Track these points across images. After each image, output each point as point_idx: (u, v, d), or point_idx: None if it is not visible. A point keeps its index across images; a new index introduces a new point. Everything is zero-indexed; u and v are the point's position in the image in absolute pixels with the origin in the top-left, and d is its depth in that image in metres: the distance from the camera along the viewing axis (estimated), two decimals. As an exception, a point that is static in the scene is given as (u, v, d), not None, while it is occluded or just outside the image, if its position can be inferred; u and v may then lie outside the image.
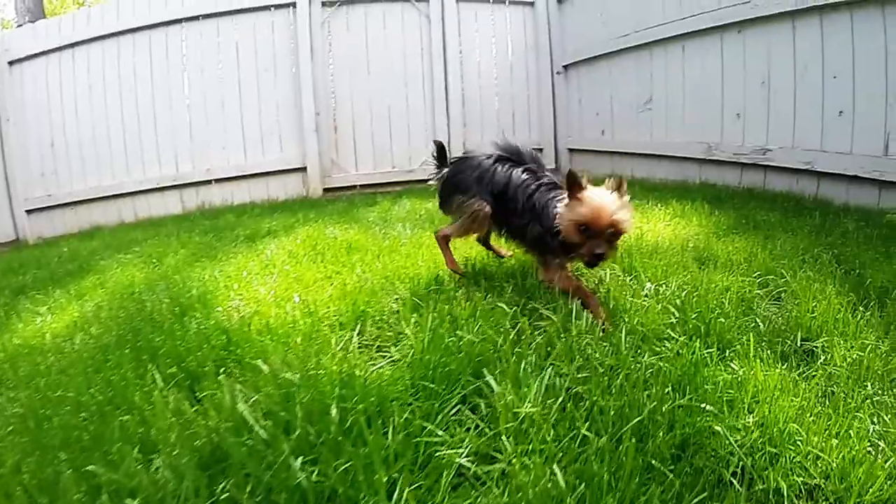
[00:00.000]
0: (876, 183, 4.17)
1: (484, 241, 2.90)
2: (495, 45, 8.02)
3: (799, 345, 1.94)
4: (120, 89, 7.19)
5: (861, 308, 2.22)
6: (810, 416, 1.51)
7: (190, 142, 7.36)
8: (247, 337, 2.05)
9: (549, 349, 1.74)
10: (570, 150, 7.93)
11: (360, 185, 7.67)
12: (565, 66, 7.89)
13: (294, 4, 7.34)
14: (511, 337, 1.77)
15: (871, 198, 4.20)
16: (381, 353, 1.95)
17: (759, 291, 2.40)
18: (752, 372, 1.63)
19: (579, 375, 1.60)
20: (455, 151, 7.54)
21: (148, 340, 2.21)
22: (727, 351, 1.81)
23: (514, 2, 7.93)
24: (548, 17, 7.90)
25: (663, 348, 1.78)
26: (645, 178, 6.37)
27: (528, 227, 2.37)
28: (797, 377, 1.70)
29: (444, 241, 2.64)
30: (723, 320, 1.95)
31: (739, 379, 1.61)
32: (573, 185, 2.17)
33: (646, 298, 2.21)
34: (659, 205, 4.13)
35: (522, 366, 1.60)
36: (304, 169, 7.55)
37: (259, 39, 7.42)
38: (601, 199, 2.12)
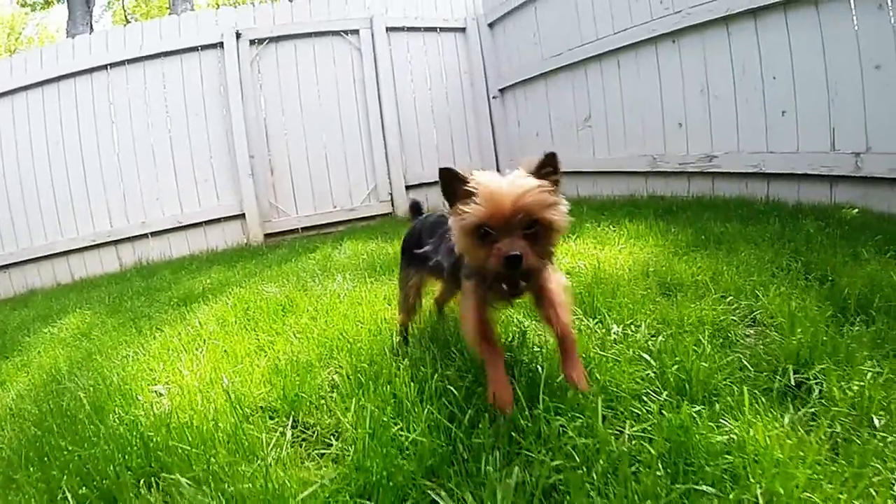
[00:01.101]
0: (826, 178, 4.11)
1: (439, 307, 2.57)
2: (429, 73, 7.90)
3: (791, 381, 1.72)
4: (47, 142, 6.79)
5: (847, 325, 2.03)
6: (824, 477, 1.27)
7: (122, 194, 6.99)
8: (165, 441, 1.74)
9: (513, 434, 1.47)
10: (514, 174, 7.74)
11: (302, 228, 7.40)
12: (501, 90, 7.81)
13: (221, 44, 7.09)
14: (466, 421, 1.50)
15: (823, 194, 4.14)
16: (320, 448, 1.65)
17: (733, 318, 2.19)
18: (750, 432, 1.39)
19: (554, 463, 1.33)
20: (396, 184, 7.36)
21: (59, 449, 1.88)
22: (715, 403, 1.57)
23: (445, 28, 7.82)
24: (480, 42, 7.82)
25: (644, 411, 1.53)
26: (591, 196, 6.26)
27: (441, 263, 1.97)
28: (801, 430, 1.46)
29: (402, 329, 2.34)
30: (705, 364, 1.71)
31: (737, 441, 1.37)
32: (452, 182, 1.60)
33: (614, 345, 1.97)
34: (612, 226, 3.94)
35: (484, 463, 1.32)
36: (242, 216, 7.25)
37: (187, 83, 7.13)
38: (497, 182, 1.54)
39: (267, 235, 7.28)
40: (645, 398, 1.59)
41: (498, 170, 7.64)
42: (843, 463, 1.32)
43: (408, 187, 7.59)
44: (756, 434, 1.35)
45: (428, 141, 7.84)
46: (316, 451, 1.62)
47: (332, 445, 1.61)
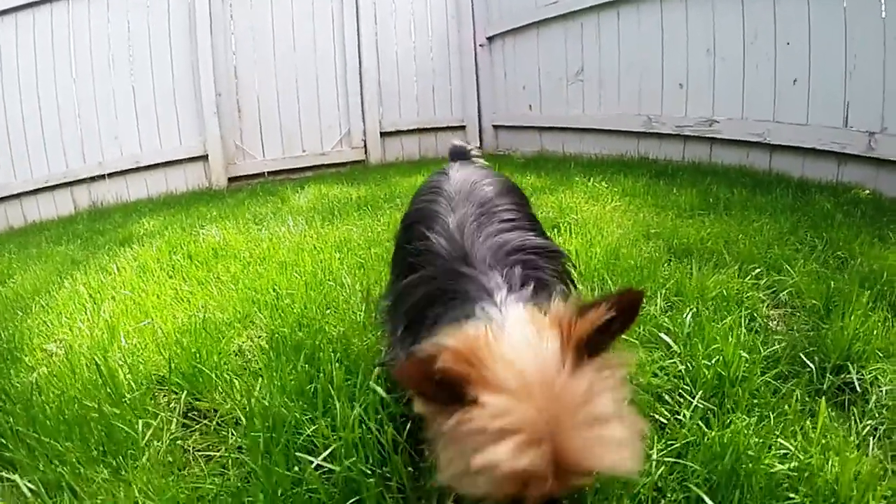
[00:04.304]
0: (835, 156, 3.78)
1: None
2: (414, 14, 7.32)
3: (844, 379, 1.33)
4: (1, 79, 6.08)
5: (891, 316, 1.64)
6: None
7: (79, 133, 6.33)
8: (15, 425, 1.28)
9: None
10: (496, 127, 7.35)
11: (269, 172, 6.88)
12: (489, 38, 7.27)
13: (190, -26, 6.43)
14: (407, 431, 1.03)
15: (830, 171, 3.82)
16: (216, 443, 1.21)
17: (760, 296, 1.78)
18: (829, 462, 0.97)
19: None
20: (370, 130, 6.90)
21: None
22: (758, 408, 1.16)
23: (434, -33, 7.26)
24: (470, -15, 7.27)
25: (671, 418, 1.11)
26: (577, 153, 5.88)
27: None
28: (880, 457, 1.05)
29: None
30: (745, 355, 1.29)
31: (803, 468, 0.96)
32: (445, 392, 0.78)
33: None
34: (605, 183, 3.52)
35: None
36: (205, 157, 6.69)
37: (153, 15, 6.45)
38: (546, 427, 0.73)
39: (231, 179, 6.75)
40: (669, 398, 1.17)
41: (480, 125, 7.30)
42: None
43: (383, 134, 7.13)
44: (838, 467, 0.94)
45: (408, 88, 7.32)
46: (204, 453, 1.17)
47: (229, 441, 1.17)
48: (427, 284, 1.09)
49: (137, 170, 6.54)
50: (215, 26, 6.53)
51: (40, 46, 6.15)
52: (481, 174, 1.47)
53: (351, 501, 0.92)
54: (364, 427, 1.00)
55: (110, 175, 6.44)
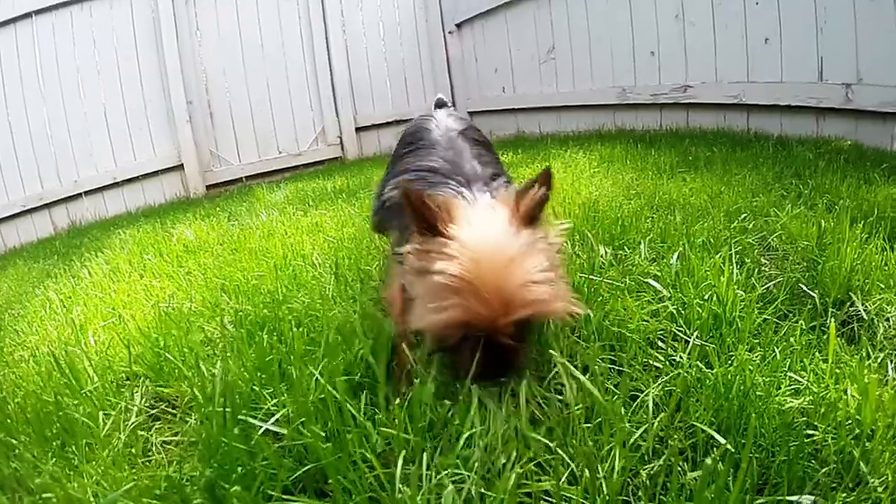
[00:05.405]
0: (812, 111, 3.73)
1: None
2: (380, 7, 7.25)
3: (848, 311, 1.26)
4: None
5: (890, 252, 1.58)
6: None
7: (52, 152, 6.20)
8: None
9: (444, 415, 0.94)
10: (471, 113, 7.28)
11: (246, 177, 6.79)
12: (458, 25, 7.21)
13: (153, -19, 6.30)
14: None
15: (809, 127, 3.77)
16: (181, 429, 1.13)
17: (749, 241, 1.71)
18: (836, 387, 0.90)
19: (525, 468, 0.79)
20: (345, 126, 6.84)
21: None
22: (761, 347, 1.08)
23: (398, -42, 7.18)
24: (435, -27, 7.19)
25: (666, 362, 1.03)
26: (555, 131, 5.82)
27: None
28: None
29: None
30: (741, 292, 1.22)
31: (818, 402, 0.89)
32: (426, 219, 1.05)
33: (607, 270, 1.45)
34: (581, 152, 3.44)
35: (399, 478, 0.79)
36: (181, 166, 6.58)
37: (118, 27, 6.33)
38: (483, 262, 0.99)
39: (209, 187, 6.65)
40: (663, 343, 1.10)
41: (454, 107, 7.19)
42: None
43: (358, 129, 7.07)
44: (858, 397, 0.85)
45: (379, 80, 7.26)
46: (169, 440, 1.09)
47: (188, 423, 1.09)
48: (417, 171, 1.39)
49: (114, 185, 6.41)
50: (181, 34, 6.40)
51: (7, 68, 6.01)
52: (462, 122, 1.71)
53: (306, 468, 0.84)
54: (326, 391, 0.92)
55: (87, 193, 6.31)
